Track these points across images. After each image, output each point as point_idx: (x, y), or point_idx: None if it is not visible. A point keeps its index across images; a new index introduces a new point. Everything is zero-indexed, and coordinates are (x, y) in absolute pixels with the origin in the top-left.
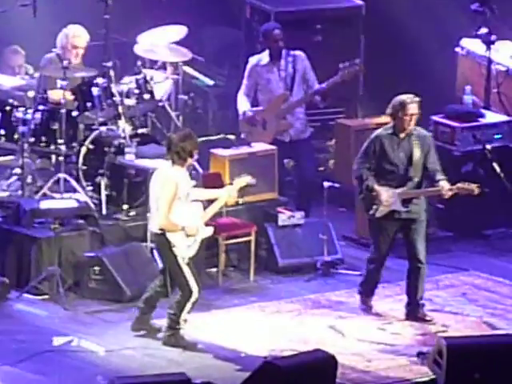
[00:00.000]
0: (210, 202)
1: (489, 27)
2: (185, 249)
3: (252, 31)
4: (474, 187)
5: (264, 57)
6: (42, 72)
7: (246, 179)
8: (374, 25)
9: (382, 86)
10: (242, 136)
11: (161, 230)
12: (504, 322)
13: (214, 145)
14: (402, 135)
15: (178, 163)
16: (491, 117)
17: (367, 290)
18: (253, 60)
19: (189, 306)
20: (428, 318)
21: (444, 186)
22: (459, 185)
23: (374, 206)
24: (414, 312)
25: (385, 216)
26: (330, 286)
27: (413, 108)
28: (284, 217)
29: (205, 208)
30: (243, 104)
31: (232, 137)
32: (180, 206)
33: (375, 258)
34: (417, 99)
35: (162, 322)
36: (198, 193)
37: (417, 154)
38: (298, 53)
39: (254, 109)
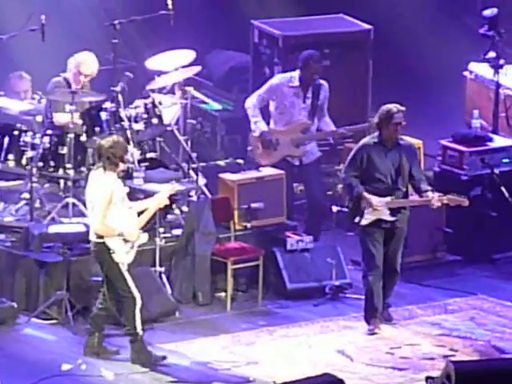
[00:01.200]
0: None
1: (497, 51)
2: (123, 255)
3: (260, 55)
4: (464, 199)
5: (294, 78)
6: (50, 96)
7: (173, 186)
8: (383, 49)
9: None
10: (249, 149)
11: (99, 237)
12: None
13: (223, 169)
14: (389, 144)
15: (109, 169)
16: (499, 141)
17: (372, 311)
18: (280, 78)
19: (137, 313)
20: (392, 321)
21: (433, 196)
22: (449, 196)
23: (360, 214)
24: (381, 312)
25: (372, 225)
26: (338, 310)
27: (398, 117)
28: (292, 241)
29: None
30: (260, 121)
31: (241, 161)
32: (116, 211)
33: (368, 270)
34: (402, 109)
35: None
36: (132, 204)
37: (403, 163)
38: (323, 82)
39: (271, 128)
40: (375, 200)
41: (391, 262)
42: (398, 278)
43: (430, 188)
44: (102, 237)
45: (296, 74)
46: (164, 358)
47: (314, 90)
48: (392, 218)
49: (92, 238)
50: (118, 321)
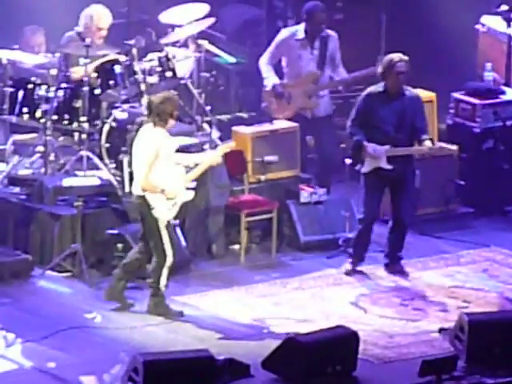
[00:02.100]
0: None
1: (509, 4)
2: (164, 211)
3: (273, 9)
4: (454, 148)
5: (299, 31)
6: (64, 50)
7: (230, 145)
8: (395, 3)
9: None
10: (263, 105)
11: (142, 190)
12: None
13: (237, 122)
14: (393, 94)
15: (159, 125)
16: None
17: (358, 253)
18: (286, 32)
19: (165, 271)
20: (406, 271)
21: (426, 144)
22: (441, 145)
23: (360, 162)
24: (393, 265)
25: (373, 173)
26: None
27: (401, 66)
28: (306, 194)
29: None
30: (271, 76)
31: (245, 115)
32: (161, 168)
33: (364, 216)
34: (405, 58)
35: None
36: (181, 157)
37: (406, 113)
38: (331, 33)
39: (283, 82)
40: (372, 148)
41: (398, 214)
42: (406, 231)
43: (427, 137)
44: (144, 191)
45: (301, 26)
46: (181, 314)
47: (321, 40)
48: (389, 166)
49: (135, 191)
50: (144, 275)
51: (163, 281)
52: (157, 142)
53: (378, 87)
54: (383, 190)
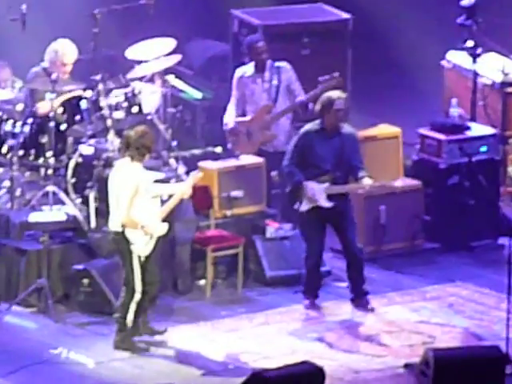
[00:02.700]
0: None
1: (475, 40)
2: (142, 246)
3: (239, 45)
4: (396, 184)
5: (249, 68)
6: (30, 85)
7: (198, 175)
8: (361, 38)
9: (369, 99)
10: (229, 146)
11: (121, 227)
12: (490, 333)
13: (203, 157)
14: (330, 131)
15: (136, 159)
16: (477, 129)
17: (311, 290)
18: (238, 72)
19: (133, 306)
20: (370, 306)
21: (367, 182)
22: (383, 182)
23: (298, 201)
24: (358, 299)
25: (312, 211)
26: (317, 297)
27: (340, 104)
28: (272, 229)
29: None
30: (228, 115)
31: (218, 149)
32: (140, 203)
33: (309, 252)
34: (343, 95)
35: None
36: (155, 188)
37: (344, 150)
38: (282, 64)
39: (239, 119)
40: (311, 191)
41: (347, 247)
42: (363, 263)
43: (365, 174)
44: (124, 226)
45: (250, 64)
46: (147, 349)
47: (271, 72)
48: (329, 205)
49: (113, 227)
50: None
51: (130, 316)
52: (136, 178)
53: (315, 125)
54: (325, 227)
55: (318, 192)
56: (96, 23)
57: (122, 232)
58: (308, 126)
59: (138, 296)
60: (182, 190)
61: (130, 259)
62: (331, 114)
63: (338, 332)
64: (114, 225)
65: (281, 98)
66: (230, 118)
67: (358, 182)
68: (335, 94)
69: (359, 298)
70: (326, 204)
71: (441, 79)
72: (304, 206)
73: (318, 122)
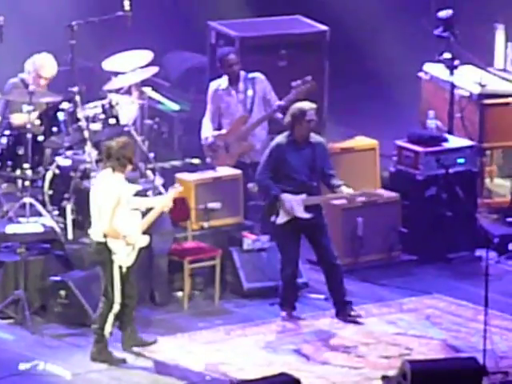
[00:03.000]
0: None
1: (452, 52)
2: (124, 257)
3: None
4: (378, 192)
5: (223, 81)
6: (7, 97)
7: (178, 189)
8: (339, 50)
9: (346, 111)
10: (208, 160)
11: (103, 237)
12: (467, 345)
13: (180, 169)
14: (301, 142)
15: (118, 170)
16: (454, 141)
17: (288, 302)
18: (213, 85)
19: (111, 317)
20: (355, 314)
21: (346, 191)
22: (364, 190)
23: (275, 214)
24: (343, 311)
25: (288, 223)
26: (294, 309)
27: (311, 115)
28: (249, 241)
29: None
30: (205, 129)
31: (196, 161)
32: (122, 213)
33: (285, 264)
34: (314, 106)
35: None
36: (136, 201)
37: (315, 160)
38: (256, 75)
39: (216, 133)
40: (289, 204)
41: (325, 257)
42: (342, 272)
43: (341, 182)
44: (106, 237)
45: (224, 77)
46: (124, 360)
47: (245, 83)
48: (307, 216)
49: (94, 237)
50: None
51: (108, 327)
52: (118, 188)
53: (285, 137)
54: (300, 238)
55: (295, 204)
56: (73, 35)
57: (105, 242)
58: (278, 139)
59: (116, 307)
60: (163, 203)
61: (110, 269)
62: (303, 126)
63: (315, 344)
64: (96, 235)
65: (256, 108)
66: (207, 133)
67: (335, 190)
68: (306, 104)
69: (344, 310)
70: (304, 215)
71: (418, 91)
72: (281, 219)
73: (287, 133)
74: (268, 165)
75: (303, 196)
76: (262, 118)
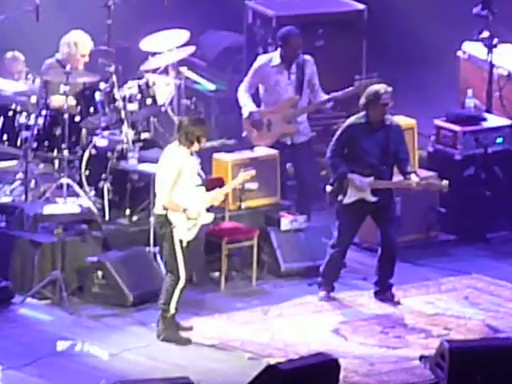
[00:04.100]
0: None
1: (490, 31)
2: (185, 231)
3: (253, 36)
4: (444, 184)
5: (275, 57)
6: (44, 77)
7: (250, 173)
8: (376, 29)
9: None
10: (244, 134)
11: (164, 209)
12: (506, 325)
13: (217, 149)
14: (375, 125)
15: (184, 144)
16: (493, 120)
17: (329, 280)
18: (262, 59)
19: (177, 292)
20: (396, 299)
21: (415, 179)
22: (430, 181)
23: (342, 193)
24: (384, 292)
25: (354, 204)
26: (333, 289)
27: (386, 98)
28: (286, 221)
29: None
30: (248, 104)
31: (231, 142)
32: (184, 187)
33: (338, 243)
34: (389, 89)
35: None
36: (210, 195)
37: (389, 143)
38: (307, 57)
39: (261, 110)
40: (357, 184)
41: (385, 240)
42: (396, 258)
43: (413, 170)
44: (166, 209)
45: (276, 52)
46: (189, 340)
47: (297, 65)
48: (373, 199)
49: (156, 210)
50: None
51: (174, 303)
52: (179, 161)
53: (360, 118)
54: (363, 220)
55: (363, 185)
56: (110, 14)
57: (165, 215)
58: (352, 119)
59: (182, 283)
60: (232, 185)
61: (171, 243)
62: (377, 109)
63: (353, 324)
64: (157, 208)
65: (304, 91)
66: (251, 108)
67: (406, 177)
68: (382, 87)
69: (385, 291)
70: (370, 198)
71: (456, 70)
72: (348, 199)
73: (361, 115)
74: (338, 144)
75: (371, 179)
76: (313, 105)
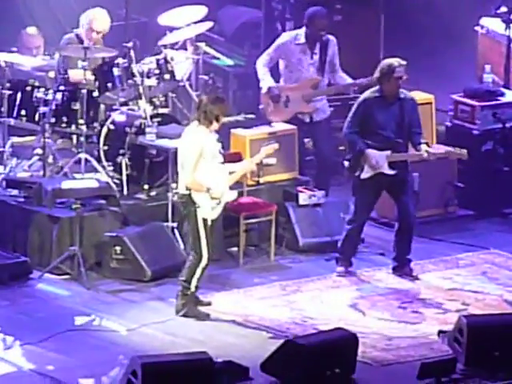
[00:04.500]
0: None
1: (508, 6)
2: (208, 210)
3: (272, 11)
4: (463, 152)
5: (300, 35)
6: (62, 52)
7: (273, 146)
8: (394, 4)
9: None
10: (261, 107)
11: (187, 189)
12: None
13: (235, 125)
14: (390, 98)
15: (203, 124)
16: (511, 96)
17: (346, 256)
18: (286, 36)
19: (199, 271)
20: (414, 274)
21: (425, 149)
22: (449, 149)
23: (360, 168)
24: (402, 267)
25: (372, 178)
26: (351, 265)
27: (400, 71)
28: (305, 196)
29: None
30: (267, 78)
31: (250, 116)
32: (206, 167)
33: (355, 218)
34: (403, 62)
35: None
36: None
37: (404, 116)
38: (331, 37)
39: (281, 85)
40: (374, 159)
41: (403, 213)
42: (413, 233)
43: (423, 141)
44: (189, 189)
45: (302, 31)
46: (208, 316)
47: (321, 45)
48: (391, 172)
49: (179, 189)
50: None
51: (195, 281)
52: (200, 141)
53: (374, 92)
54: (380, 194)
55: (380, 159)
56: None
57: (189, 194)
58: (366, 94)
59: (204, 261)
60: (255, 160)
61: (195, 222)
62: (391, 82)
63: (371, 299)
64: (180, 187)
65: (325, 72)
66: (270, 83)
67: (417, 148)
68: (395, 61)
69: (403, 267)
70: (389, 171)
71: (474, 45)
72: (366, 174)
73: (376, 89)
74: (354, 119)
75: (388, 152)
76: (336, 87)
